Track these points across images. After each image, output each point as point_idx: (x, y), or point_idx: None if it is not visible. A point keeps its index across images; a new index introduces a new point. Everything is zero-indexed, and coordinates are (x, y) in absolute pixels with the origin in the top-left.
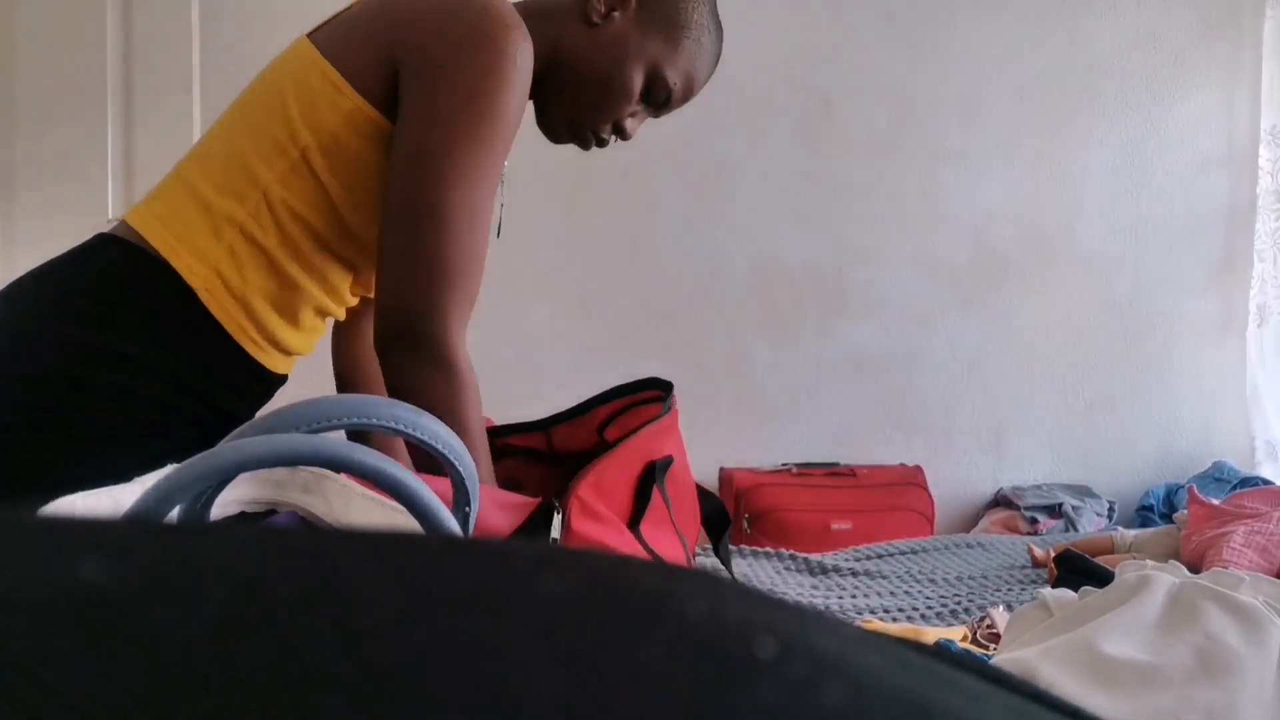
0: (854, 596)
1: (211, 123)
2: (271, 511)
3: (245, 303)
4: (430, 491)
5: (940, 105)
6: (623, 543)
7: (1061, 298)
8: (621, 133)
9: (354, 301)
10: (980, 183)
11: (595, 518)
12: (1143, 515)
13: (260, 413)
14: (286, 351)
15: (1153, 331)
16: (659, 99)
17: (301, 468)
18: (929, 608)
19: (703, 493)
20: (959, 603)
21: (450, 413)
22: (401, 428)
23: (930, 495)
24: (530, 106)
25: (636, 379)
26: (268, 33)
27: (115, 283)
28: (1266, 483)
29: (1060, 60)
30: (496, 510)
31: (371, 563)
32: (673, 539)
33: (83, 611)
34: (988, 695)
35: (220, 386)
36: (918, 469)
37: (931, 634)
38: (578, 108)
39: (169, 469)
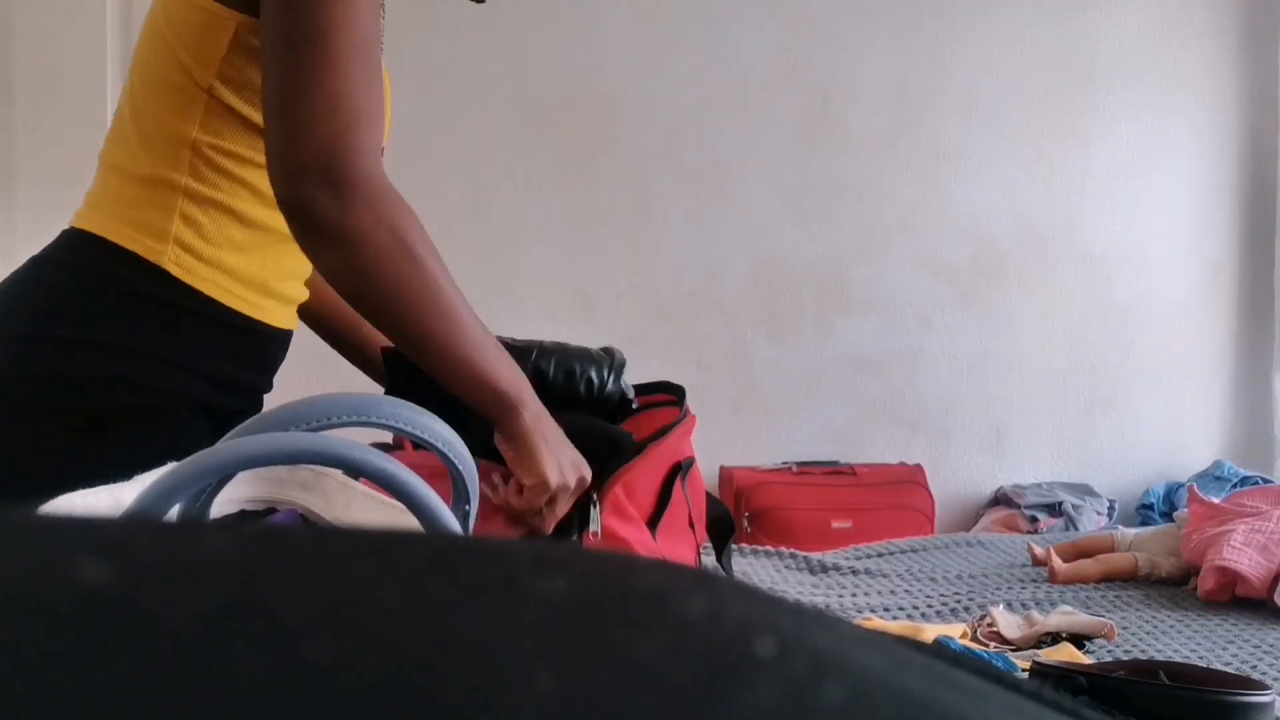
0: (854, 595)
1: None
2: (271, 510)
3: (219, 264)
4: (431, 490)
5: (940, 104)
6: (643, 544)
7: (1062, 296)
8: None
9: None
10: (980, 181)
11: (624, 516)
12: (1143, 514)
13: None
14: (285, 299)
15: (1153, 330)
16: None
17: (301, 465)
18: (929, 606)
19: (709, 498)
20: (959, 601)
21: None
22: (402, 426)
23: (930, 494)
24: None
25: (646, 382)
26: None
27: (90, 277)
28: (1267, 481)
29: (1061, 58)
30: None
31: (371, 561)
32: (689, 543)
33: (81, 610)
34: (987, 693)
35: (223, 357)
36: (918, 468)
37: (931, 631)
38: None
39: (169, 467)
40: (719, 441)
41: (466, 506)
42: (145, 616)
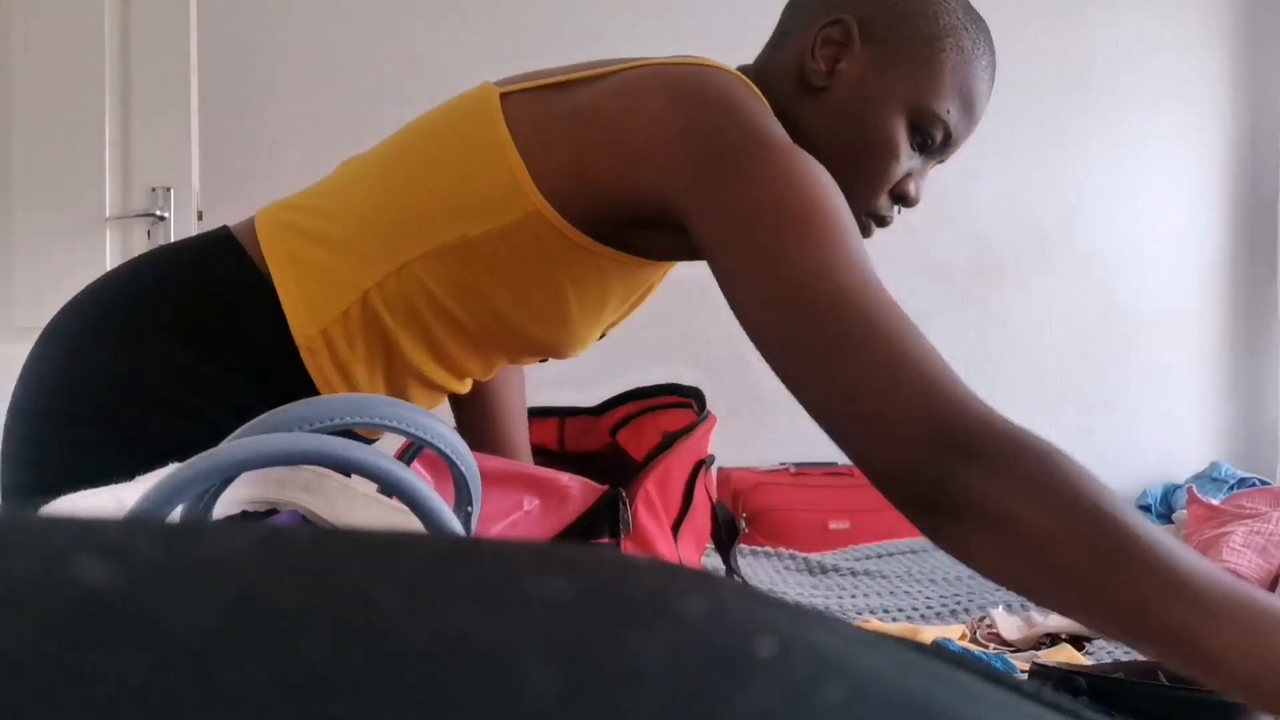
0: (853, 596)
1: (208, 124)
2: (273, 511)
3: (347, 372)
4: (433, 491)
5: None
6: (666, 544)
7: (1060, 298)
8: (905, 199)
9: (485, 377)
10: (979, 182)
11: (653, 513)
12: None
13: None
14: None
15: (1151, 332)
16: (935, 140)
17: (303, 467)
18: (929, 607)
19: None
20: (959, 602)
21: (1103, 500)
22: (404, 427)
23: None
24: None
25: (655, 384)
26: (266, 32)
27: (224, 304)
28: (1265, 483)
29: (1059, 59)
30: (560, 504)
31: (371, 562)
32: (704, 538)
33: (82, 611)
34: (986, 694)
35: None
36: None
37: (930, 633)
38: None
39: (171, 468)
40: (716, 442)
41: (469, 508)
42: (146, 618)
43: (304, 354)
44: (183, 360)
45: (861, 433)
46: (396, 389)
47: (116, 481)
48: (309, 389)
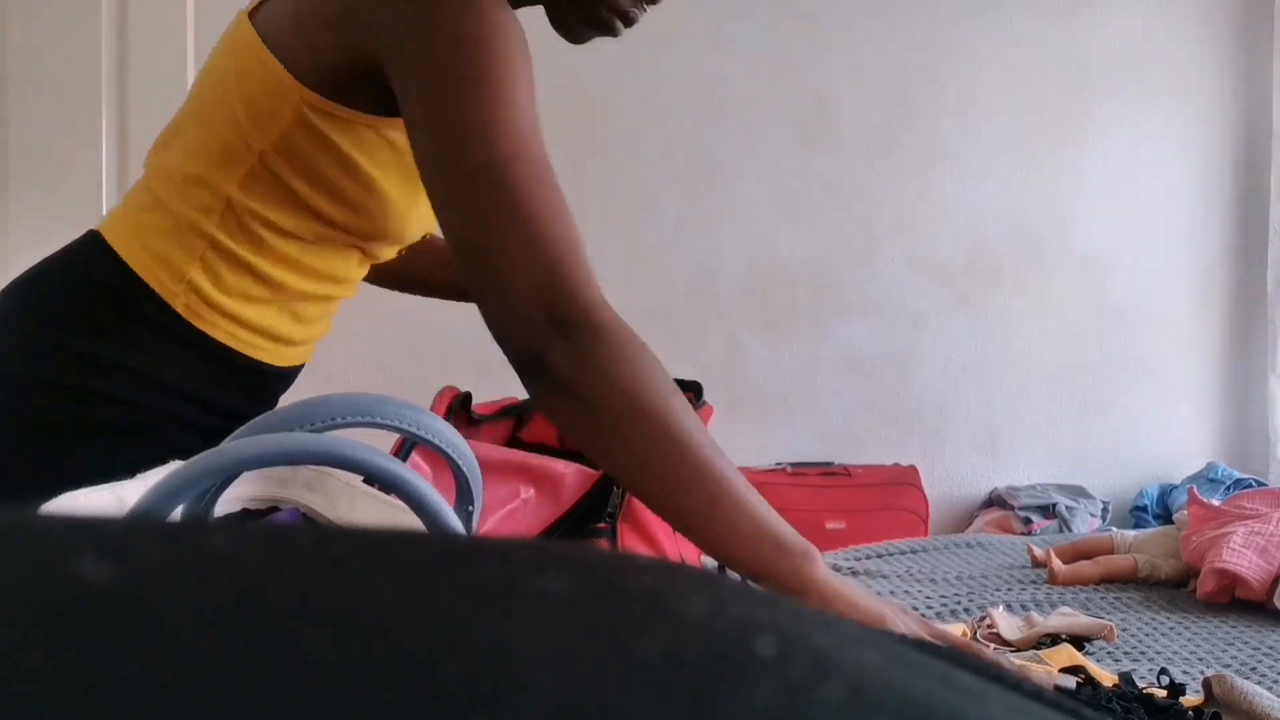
0: None
1: None
2: (274, 509)
3: (228, 311)
4: (433, 490)
5: (936, 106)
6: (665, 529)
7: (1056, 298)
8: None
9: (361, 275)
10: (976, 183)
11: None
12: (1136, 515)
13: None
14: (296, 343)
15: (1147, 332)
16: None
17: (304, 465)
18: (929, 607)
19: None
20: (959, 602)
21: (667, 404)
22: (406, 427)
23: (924, 495)
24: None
25: None
26: None
27: (105, 293)
28: (1260, 483)
29: (1056, 60)
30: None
31: (371, 560)
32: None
33: (82, 610)
34: (987, 693)
35: (226, 391)
36: (912, 469)
37: None
38: None
39: (173, 465)
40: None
41: (470, 507)
42: (146, 617)
43: (186, 314)
44: (94, 352)
45: (488, 297)
46: (284, 312)
47: (56, 474)
48: (213, 344)
